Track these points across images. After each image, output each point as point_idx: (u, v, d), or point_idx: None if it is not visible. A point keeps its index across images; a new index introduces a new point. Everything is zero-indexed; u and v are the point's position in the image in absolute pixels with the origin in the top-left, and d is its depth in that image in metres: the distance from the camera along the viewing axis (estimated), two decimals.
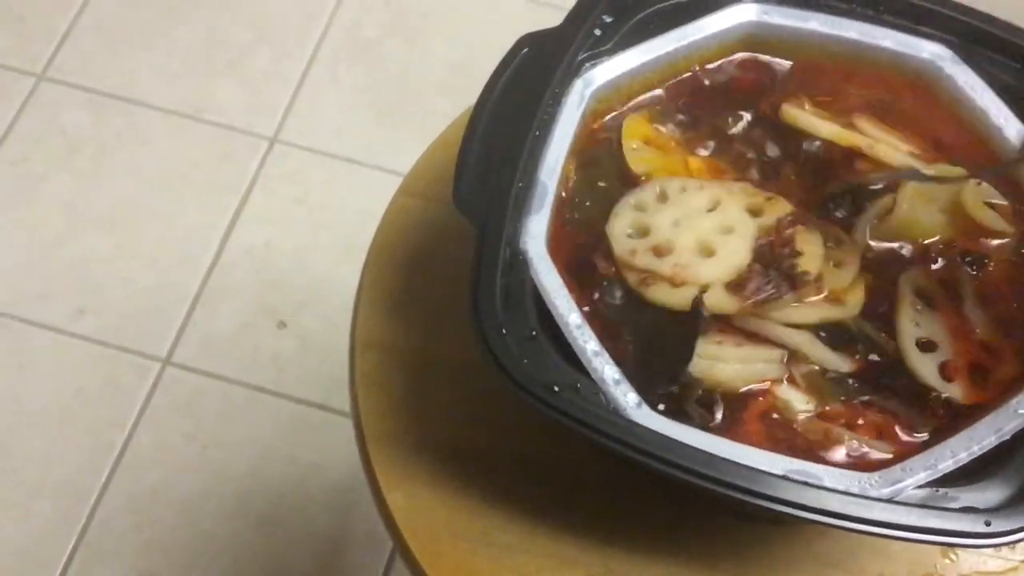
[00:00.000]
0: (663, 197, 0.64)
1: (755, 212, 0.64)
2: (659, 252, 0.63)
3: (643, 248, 0.62)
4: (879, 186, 0.65)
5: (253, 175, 1.58)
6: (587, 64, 0.64)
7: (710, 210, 0.64)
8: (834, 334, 0.61)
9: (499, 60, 0.64)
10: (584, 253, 0.63)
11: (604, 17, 0.65)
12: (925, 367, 0.60)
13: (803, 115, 0.66)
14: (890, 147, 0.65)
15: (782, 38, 0.67)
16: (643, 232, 0.63)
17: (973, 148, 0.65)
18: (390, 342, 0.71)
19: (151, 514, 1.34)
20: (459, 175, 0.59)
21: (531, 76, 0.62)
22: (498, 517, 0.65)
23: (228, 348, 1.46)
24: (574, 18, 0.64)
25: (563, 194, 0.64)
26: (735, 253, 0.62)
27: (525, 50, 0.62)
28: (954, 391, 0.59)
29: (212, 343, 1.46)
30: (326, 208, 1.56)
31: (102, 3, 1.71)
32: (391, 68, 1.68)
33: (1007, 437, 0.55)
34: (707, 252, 0.63)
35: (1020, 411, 0.56)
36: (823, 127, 0.66)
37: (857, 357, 0.60)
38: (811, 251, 0.62)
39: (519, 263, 0.59)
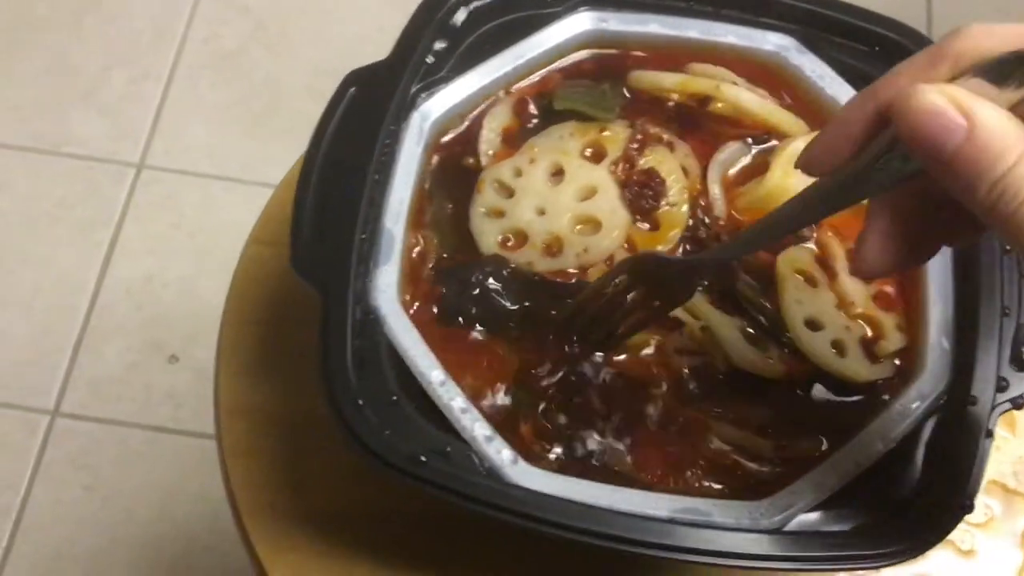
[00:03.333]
0: (506, 190, 0.61)
1: (598, 152, 0.63)
2: (551, 251, 0.60)
3: (536, 256, 0.60)
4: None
5: (123, 205, 1.51)
6: (423, 95, 0.60)
7: (554, 174, 0.62)
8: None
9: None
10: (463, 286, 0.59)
11: (435, 44, 0.61)
12: (818, 345, 0.58)
13: (648, 74, 0.64)
14: (735, 86, 0.63)
15: (624, 44, 0.63)
16: (518, 236, 0.60)
17: None
18: (257, 406, 0.66)
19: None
20: (295, 236, 0.55)
21: (363, 117, 0.58)
22: None
23: (119, 390, 1.40)
24: (402, 49, 0.59)
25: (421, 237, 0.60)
26: (613, 212, 0.61)
27: (353, 90, 0.58)
28: (849, 368, 0.58)
29: (101, 388, 1.40)
30: (205, 231, 1.50)
31: None
32: (256, 77, 1.62)
33: (894, 444, 0.53)
34: (592, 225, 0.61)
35: (904, 413, 0.54)
36: (667, 79, 0.64)
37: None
38: (668, 168, 0.62)
39: (371, 322, 0.55)
